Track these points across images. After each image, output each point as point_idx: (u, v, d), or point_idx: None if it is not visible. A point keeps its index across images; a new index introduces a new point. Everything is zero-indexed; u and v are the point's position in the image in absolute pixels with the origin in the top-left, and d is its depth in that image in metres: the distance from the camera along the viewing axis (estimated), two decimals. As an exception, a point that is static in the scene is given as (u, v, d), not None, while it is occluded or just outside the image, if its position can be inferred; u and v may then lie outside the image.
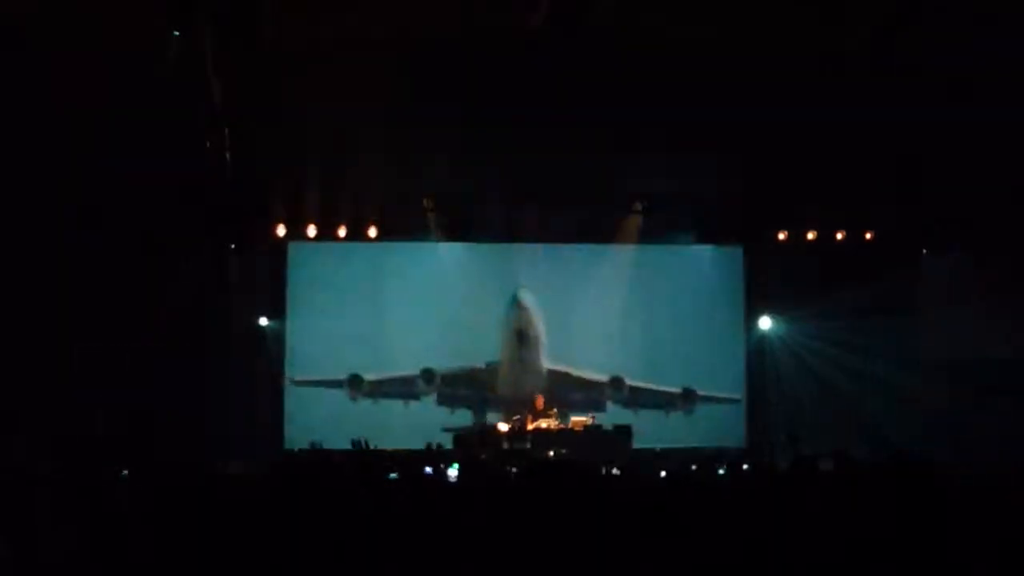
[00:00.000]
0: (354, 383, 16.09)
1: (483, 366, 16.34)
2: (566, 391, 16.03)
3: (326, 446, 10.82)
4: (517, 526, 4.85)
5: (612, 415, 15.97)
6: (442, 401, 16.31)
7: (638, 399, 16.34)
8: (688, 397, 16.39)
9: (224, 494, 6.23)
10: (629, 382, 16.39)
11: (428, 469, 7.93)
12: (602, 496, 6.06)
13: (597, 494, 5.96)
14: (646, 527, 5.28)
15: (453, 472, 7.75)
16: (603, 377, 16.41)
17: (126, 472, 11.86)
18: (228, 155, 13.97)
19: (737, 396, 16.53)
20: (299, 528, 5.08)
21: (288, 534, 5.06)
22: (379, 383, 16.13)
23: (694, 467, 5.83)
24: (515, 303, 16.33)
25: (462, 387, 16.30)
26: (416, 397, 16.20)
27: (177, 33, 11.12)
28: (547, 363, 16.40)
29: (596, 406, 16.07)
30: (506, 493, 5.46)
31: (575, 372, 16.39)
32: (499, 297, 16.36)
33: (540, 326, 16.37)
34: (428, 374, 16.20)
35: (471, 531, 4.91)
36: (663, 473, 9.08)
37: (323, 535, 5.02)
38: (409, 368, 16.21)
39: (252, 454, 14.92)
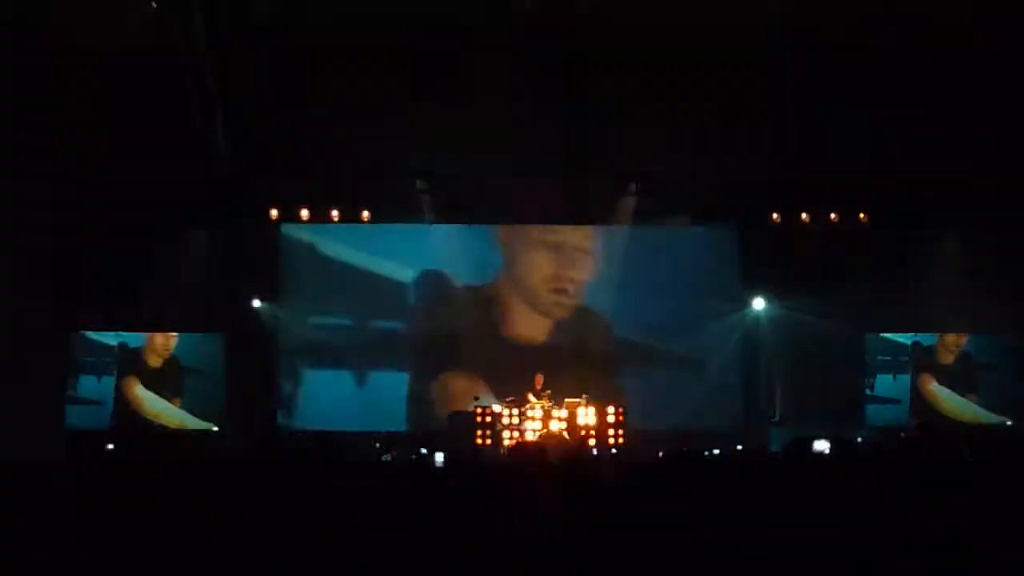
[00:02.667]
0: (315, 349, 16.00)
1: (445, 332, 16.22)
2: (528, 360, 15.71)
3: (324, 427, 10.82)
4: (503, 512, 4.84)
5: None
6: (404, 368, 16.22)
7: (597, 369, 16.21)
8: (648, 363, 16.24)
9: (223, 476, 6.24)
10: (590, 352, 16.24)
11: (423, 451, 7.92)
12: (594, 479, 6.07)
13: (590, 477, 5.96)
14: (639, 508, 5.27)
15: (440, 457, 7.72)
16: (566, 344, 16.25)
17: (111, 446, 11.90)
18: (221, 137, 13.94)
19: (698, 357, 16.31)
20: (295, 512, 5.08)
21: (285, 518, 5.05)
22: (343, 349, 16.02)
23: (684, 449, 5.83)
24: (493, 273, 16.35)
25: (426, 354, 16.16)
26: (383, 365, 16.12)
27: (156, 4, 11.08)
28: (512, 329, 16.37)
29: (556, 375, 15.87)
30: (492, 480, 5.45)
31: (540, 339, 16.30)
32: (488, 277, 16.42)
33: (514, 296, 16.33)
34: (391, 339, 16.12)
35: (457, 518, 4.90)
36: (659, 454, 9.12)
37: (318, 520, 5.02)
38: None
39: (249, 435, 15.00)
